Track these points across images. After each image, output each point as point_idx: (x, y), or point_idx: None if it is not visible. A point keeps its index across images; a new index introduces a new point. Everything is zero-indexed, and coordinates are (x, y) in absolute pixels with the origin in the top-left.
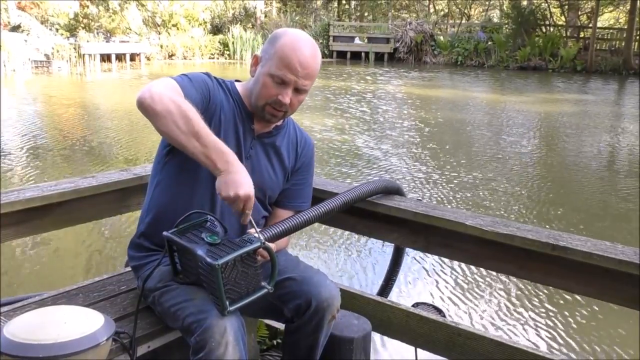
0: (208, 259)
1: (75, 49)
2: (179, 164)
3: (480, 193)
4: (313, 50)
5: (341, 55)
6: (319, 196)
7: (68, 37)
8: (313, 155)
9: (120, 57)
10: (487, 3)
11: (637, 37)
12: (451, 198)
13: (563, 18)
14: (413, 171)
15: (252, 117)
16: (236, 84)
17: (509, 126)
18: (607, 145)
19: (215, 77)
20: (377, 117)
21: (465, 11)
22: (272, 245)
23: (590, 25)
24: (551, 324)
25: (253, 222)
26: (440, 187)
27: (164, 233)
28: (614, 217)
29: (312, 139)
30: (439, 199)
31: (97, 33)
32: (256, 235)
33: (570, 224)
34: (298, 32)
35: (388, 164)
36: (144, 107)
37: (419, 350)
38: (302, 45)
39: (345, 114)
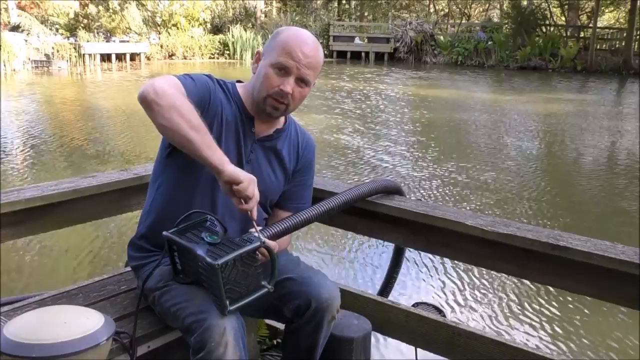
0: (208, 259)
1: (75, 48)
2: (179, 166)
3: (474, 191)
4: (315, 43)
5: (341, 55)
6: (319, 196)
7: (68, 37)
8: (314, 156)
9: (120, 57)
10: (487, 3)
11: (637, 37)
12: (438, 194)
13: (563, 18)
14: (411, 171)
15: (253, 120)
16: (237, 85)
17: (508, 125)
18: (607, 145)
19: (217, 79)
20: (368, 113)
21: (465, 11)
22: (274, 244)
23: (591, 25)
24: (551, 324)
25: (254, 222)
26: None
27: (164, 233)
28: (614, 217)
29: (314, 140)
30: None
31: (97, 33)
32: (256, 234)
33: (569, 223)
34: (300, 28)
35: (370, 158)
36: (147, 101)
37: (419, 350)
38: (304, 36)
39: (336, 110)
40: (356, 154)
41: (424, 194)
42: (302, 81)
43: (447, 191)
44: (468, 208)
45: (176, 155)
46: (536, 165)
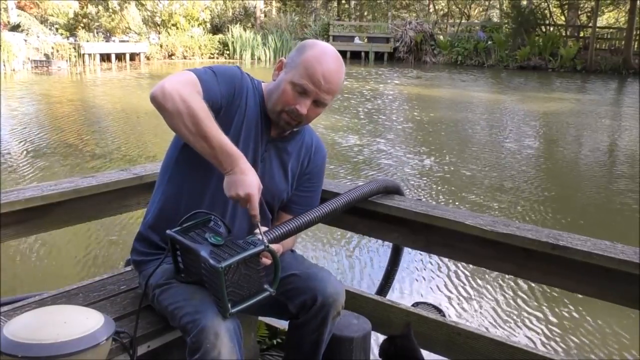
0: (211, 261)
1: (75, 48)
2: (192, 160)
3: (474, 190)
4: (338, 66)
5: (341, 54)
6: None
7: (68, 37)
8: (324, 164)
9: (120, 57)
10: (487, 3)
11: (637, 37)
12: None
13: (563, 17)
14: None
15: (271, 120)
16: (262, 84)
17: (508, 125)
18: (607, 145)
19: (246, 73)
20: (362, 113)
21: (465, 11)
22: (279, 247)
23: (590, 24)
24: (551, 324)
25: (259, 226)
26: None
27: (167, 232)
28: (613, 216)
29: (325, 148)
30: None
31: (97, 33)
32: (260, 237)
33: (568, 222)
34: (327, 46)
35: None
36: (156, 103)
37: None
38: (329, 59)
39: (336, 109)
40: (355, 151)
41: (425, 193)
42: (318, 103)
43: (446, 189)
44: (470, 206)
45: (190, 149)
46: (534, 164)
